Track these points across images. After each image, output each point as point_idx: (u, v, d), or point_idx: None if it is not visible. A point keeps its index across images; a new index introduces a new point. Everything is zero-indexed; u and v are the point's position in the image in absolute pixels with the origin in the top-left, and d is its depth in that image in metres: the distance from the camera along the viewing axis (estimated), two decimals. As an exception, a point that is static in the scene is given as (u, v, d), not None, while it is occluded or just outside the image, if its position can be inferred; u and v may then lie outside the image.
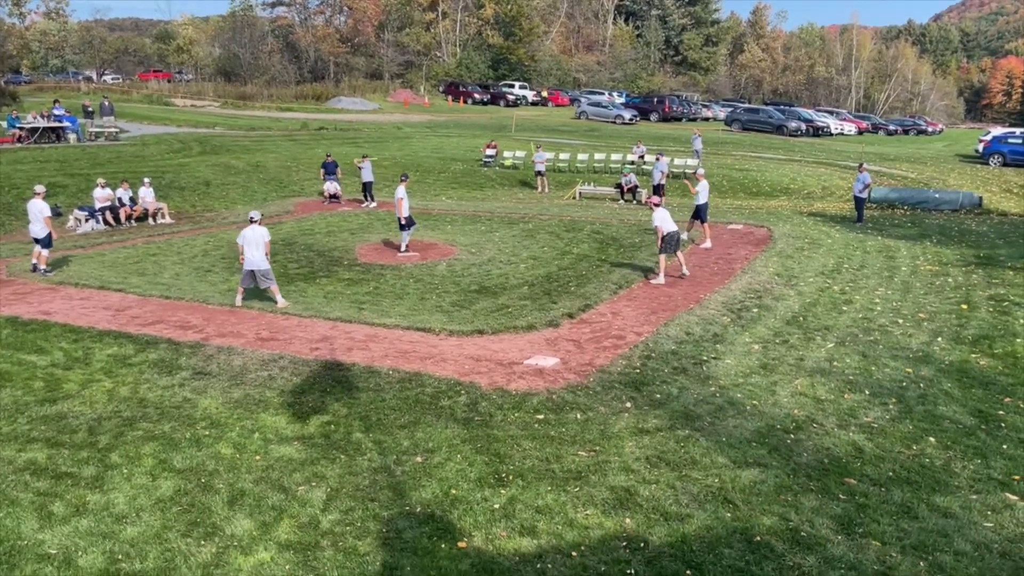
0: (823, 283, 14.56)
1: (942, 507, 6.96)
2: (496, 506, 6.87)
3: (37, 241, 14.90)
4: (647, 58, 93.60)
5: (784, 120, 53.10)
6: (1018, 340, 11.41)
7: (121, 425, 8.38)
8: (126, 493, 7.04)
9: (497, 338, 11.30)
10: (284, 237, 18.43)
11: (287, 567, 6.04)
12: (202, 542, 6.34)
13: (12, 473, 7.37)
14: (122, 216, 20.35)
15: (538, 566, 6.04)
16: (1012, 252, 17.50)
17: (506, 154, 32.36)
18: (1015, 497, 7.16)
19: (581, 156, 32.38)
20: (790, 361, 10.48)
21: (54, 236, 15.17)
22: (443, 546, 6.30)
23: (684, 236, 16.94)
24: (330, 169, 24.21)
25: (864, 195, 21.51)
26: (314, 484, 7.22)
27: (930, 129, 67.90)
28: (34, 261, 14.95)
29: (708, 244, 17.95)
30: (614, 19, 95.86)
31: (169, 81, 73.82)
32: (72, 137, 31.71)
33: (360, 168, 23.60)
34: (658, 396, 9.25)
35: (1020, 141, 38.54)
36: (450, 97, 69.07)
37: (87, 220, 19.73)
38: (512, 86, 71.92)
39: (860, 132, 60.23)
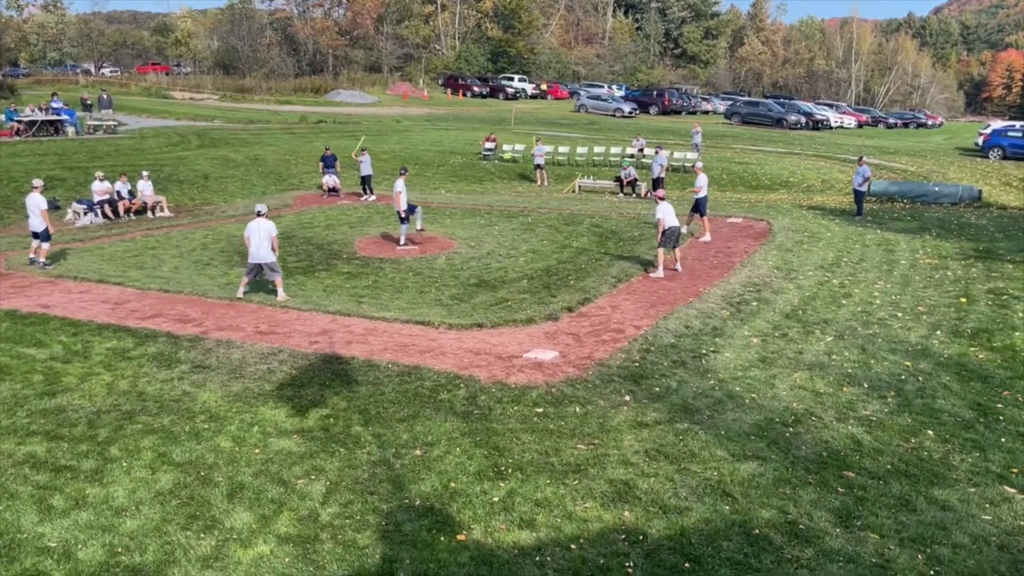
0: (822, 276, 14.56)
1: (940, 500, 6.98)
2: (495, 499, 6.88)
3: (36, 235, 14.91)
4: (647, 51, 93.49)
5: (784, 113, 53.00)
6: (1017, 333, 11.42)
7: (120, 418, 8.38)
8: (125, 486, 7.05)
9: (496, 332, 11.31)
10: (283, 230, 18.30)
11: (286, 560, 6.05)
12: (201, 535, 6.35)
13: (11, 466, 7.37)
14: (120, 209, 20.33)
15: (537, 559, 6.05)
16: (1011, 245, 17.50)
17: (505, 147, 32.30)
18: (1013, 490, 7.18)
19: (580, 149, 32.35)
20: (789, 354, 10.49)
21: (51, 230, 15.16)
22: (442, 539, 6.31)
23: (684, 230, 16.92)
24: (329, 162, 24.20)
25: (864, 188, 21.51)
26: (313, 477, 7.23)
27: (930, 122, 67.70)
28: (32, 255, 14.95)
29: (707, 237, 17.93)
30: (613, 12, 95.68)
31: (167, 74, 73.65)
32: (70, 130, 31.59)
33: (359, 161, 23.59)
34: (657, 389, 9.26)
35: (1020, 134, 38.46)
36: (449, 90, 68.98)
37: (85, 213, 19.70)
38: (511, 79, 71.75)
39: (860, 125, 60.05)
